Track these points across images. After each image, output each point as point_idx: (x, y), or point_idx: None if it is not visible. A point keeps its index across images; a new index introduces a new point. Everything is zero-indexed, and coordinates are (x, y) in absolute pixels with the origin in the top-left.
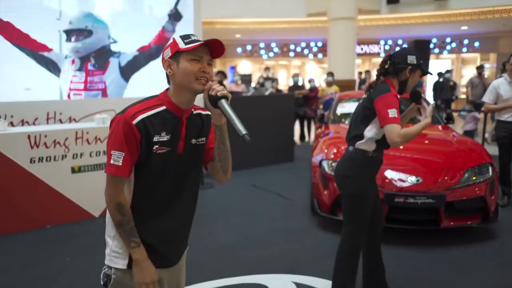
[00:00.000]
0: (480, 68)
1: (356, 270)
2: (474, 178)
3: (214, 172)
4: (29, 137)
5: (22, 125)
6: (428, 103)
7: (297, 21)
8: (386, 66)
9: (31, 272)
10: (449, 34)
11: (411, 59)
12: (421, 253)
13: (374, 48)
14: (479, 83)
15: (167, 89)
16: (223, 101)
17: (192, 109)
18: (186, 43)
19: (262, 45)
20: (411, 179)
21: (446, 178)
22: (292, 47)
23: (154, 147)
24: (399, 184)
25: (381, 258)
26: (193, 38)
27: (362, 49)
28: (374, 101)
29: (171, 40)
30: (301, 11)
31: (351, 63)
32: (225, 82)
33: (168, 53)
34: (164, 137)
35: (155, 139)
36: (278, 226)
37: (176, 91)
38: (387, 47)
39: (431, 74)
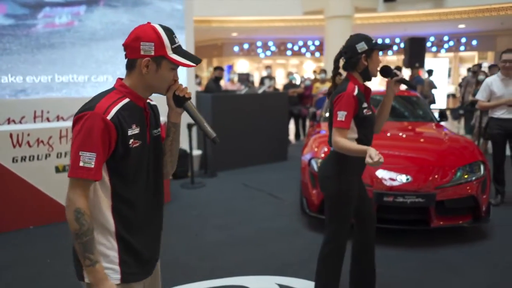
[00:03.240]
0: (474, 67)
1: (339, 272)
2: (466, 176)
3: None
4: (11, 135)
5: (9, 123)
6: (397, 75)
7: (294, 19)
8: (340, 65)
9: (10, 274)
10: (447, 32)
11: (361, 46)
12: (411, 254)
13: None
14: (474, 83)
15: (123, 80)
16: (190, 103)
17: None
18: (173, 51)
19: (259, 43)
20: (401, 178)
21: (436, 176)
22: (289, 45)
23: (130, 141)
24: (388, 183)
25: (374, 261)
26: (177, 42)
27: None
28: (333, 102)
29: (149, 31)
30: (298, 9)
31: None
32: (222, 82)
33: (149, 49)
34: (135, 130)
35: (129, 132)
36: (267, 226)
37: (142, 86)
38: None
39: (388, 47)
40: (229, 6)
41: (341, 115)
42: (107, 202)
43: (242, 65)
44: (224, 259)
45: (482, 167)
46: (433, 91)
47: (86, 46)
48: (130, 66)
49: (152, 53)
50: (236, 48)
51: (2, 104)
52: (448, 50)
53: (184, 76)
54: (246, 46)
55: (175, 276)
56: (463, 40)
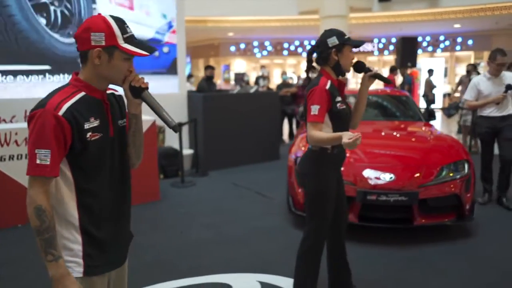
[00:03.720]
0: (469, 66)
1: (318, 269)
2: (451, 174)
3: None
4: None
5: None
6: (370, 69)
7: (290, 19)
8: (313, 60)
9: None
10: (442, 32)
11: (331, 41)
12: (393, 251)
13: (368, 47)
14: (467, 82)
15: (77, 74)
16: (148, 93)
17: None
18: (125, 40)
19: (255, 43)
20: (384, 176)
21: (419, 175)
22: (286, 45)
23: (88, 135)
24: (371, 181)
25: (346, 257)
26: (129, 32)
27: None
28: (306, 97)
29: (99, 21)
30: (293, 9)
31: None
32: (218, 82)
33: (99, 40)
34: (94, 123)
35: (86, 126)
36: (253, 224)
37: (96, 78)
38: (380, 45)
39: (361, 44)
40: (224, 6)
41: (314, 109)
42: (71, 196)
43: (239, 65)
44: (208, 257)
45: (466, 166)
46: (433, 90)
47: None
48: (83, 59)
49: (103, 43)
50: (232, 48)
51: None
52: (444, 49)
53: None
54: (242, 46)
55: (157, 274)
56: (459, 39)
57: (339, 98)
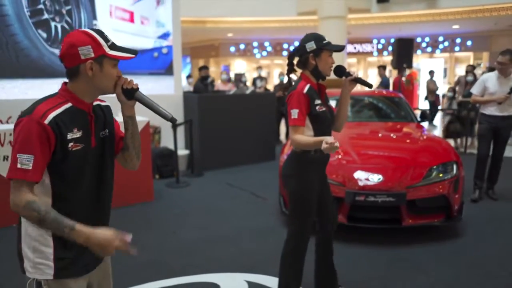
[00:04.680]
0: (468, 67)
1: (301, 268)
2: (440, 175)
3: (127, 160)
4: None
5: None
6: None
7: (289, 20)
8: (294, 63)
9: None
10: (441, 33)
11: (310, 45)
12: (379, 251)
13: (367, 47)
14: (464, 83)
15: (66, 84)
16: (140, 92)
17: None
18: (110, 47)
19: (255, 44)
20: (372, 177)
21: (407, 176)
22: (285, 46)
23: (69, 145)
24: (360, 182)
25: (331, 257)
26: (110, 40)
27: (355, 48)
28: (286, 102)
29: (81, 35)
30: (292, 10)
31: (341, 62)
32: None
33: (88, 52)
34: (77, 134)
35: (69, 136)
36: (245, 225)
37: (87, 90)
38: (380, 46)
39: (341, 48)
40: (223, 7)
41: (294, 113)
42: (47, 200)
43: (239, 66)
44: (198, 257)
45: (455, 167)
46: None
47: None
48: (73, 74)
49: (93, 55)
50: (232, 49)
51: None
52: (443, 50)
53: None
54: (242, 46)
55: (147, 273)
56: (458, 40)
57: (318, 101)
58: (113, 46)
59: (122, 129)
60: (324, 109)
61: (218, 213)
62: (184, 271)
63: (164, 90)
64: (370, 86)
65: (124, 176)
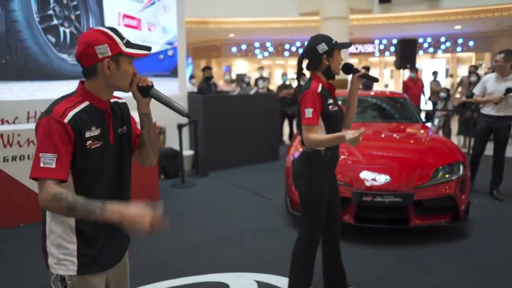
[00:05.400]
0: (471, 67)
1: (312, 268)
2: (446, 176)
3: (144, 157)
4: (1, 136)
5: (2, 124)
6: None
7: (290, 20)
8: (304, 66)
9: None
10: (443, 33)
11: (321, 47)
12: (387, 252)
13: (369, 48)
14: (467, 84)
15: (83, 83)
16: (155, 89)
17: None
18: (126, 45)
19: (257, 44)
20: (380, 178)
21: (414, 176)
22: (287, 46)
23: (88, 143)
24: (367, 182)
25: (340, 258)
26: (125, 37)
27: (357, 48)
28: (299, 102)
29: (97, 34)
30: (294, 10)
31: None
32: (220, 83)
33: (105, 51)
34: (95, 132)
35: (87, 134)
36: (250, 225)
37: (104, 88)
38: (381, 47)
39: (349, 45)
40: (224, 7)
41: (308, 112)
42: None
43: (240, 66)
44: (206, 257)
45: (461, 167)
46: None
47: None
48: (90, 73)
49: (110, 53)
50: (234, 49)
51: None
52: (445, 51)
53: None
54: (244, 47)
55: (155, 273)
56: (460, 41)
57: (330, 100)
58: (129, 44)
59: (138, 126)
60: (336, 108)
61: (223, 213)
62: (192, 271)
63: (168, 91)
64: (376, 80)
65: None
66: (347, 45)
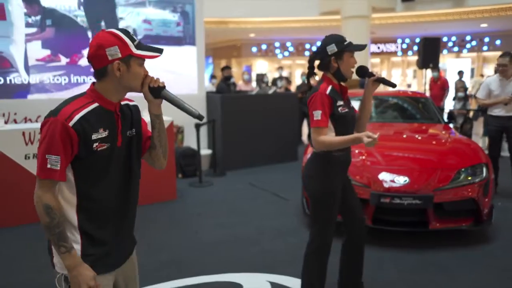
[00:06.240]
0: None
1: (325, 269)
2: (469, 178)
3: (154, 159)
4: (23, 134)
5: (25, 122)
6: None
7: (311, 20)
8: (315, 67)
9: (16, 265)
10: (469, 32)
11: (331, 48)
12: (407, 255)
13: (391, 47)
14: None
15: (94, 84)
16: (166, 90)
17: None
18: (137, 47)
19: (277, 44)
20: (398, 179)
21: (435, 178)
22: (307, 46)
23: (94, 145)
24: (386, 184)
25: (361, 260)
26: (136, 39)
27: (378, 48)
28: (308, 104)
29: (108, 36)
30: (314, 10)
31: (364, 62)
32: (240, 82)
33: (115, 53)
34: (103, 134)
35: (94, 136)
36: (267, 225)
37: (115, 90)
38: (404, 46)
39: (362, 48)
40: (245, 7)
41: (316, 115)
42: (73, 199)
43: (261, 66)
44: (221, 256)
45: (485, 170)
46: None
47: None
48: (101, 75)
49: (120, 55)
50: (254, 49)
51: (19, 104)
52: (471, 50)
53: (195, 76)
54: (264, 47)
55: (170, 271)
56: (486, 39)
57: (340, 102)
58: (140, 45)
59: (149, 128)
60: (346, 110)
61: (240, 213)
62: (206, 270)
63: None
64: (394, 85)
65: (148, 174)
66: (359, 48)
